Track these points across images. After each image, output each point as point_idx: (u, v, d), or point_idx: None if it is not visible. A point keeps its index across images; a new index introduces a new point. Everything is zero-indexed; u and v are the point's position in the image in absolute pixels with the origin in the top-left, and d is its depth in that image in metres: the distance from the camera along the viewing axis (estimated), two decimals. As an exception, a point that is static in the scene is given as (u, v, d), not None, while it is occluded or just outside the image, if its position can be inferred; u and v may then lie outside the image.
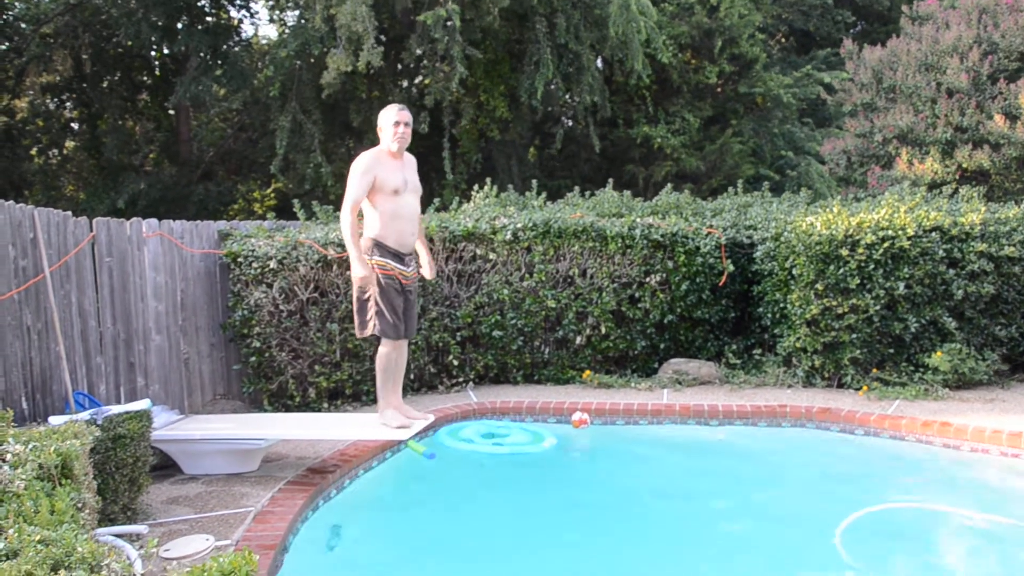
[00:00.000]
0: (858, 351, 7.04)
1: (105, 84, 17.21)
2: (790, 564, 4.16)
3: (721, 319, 8.25)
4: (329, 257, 6.91)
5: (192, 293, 6.79)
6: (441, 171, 13.85)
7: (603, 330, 7.77)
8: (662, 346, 8.04)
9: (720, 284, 8.06)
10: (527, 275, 7.70)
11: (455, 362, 7.55)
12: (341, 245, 7.00)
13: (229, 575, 2.29)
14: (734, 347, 8.12)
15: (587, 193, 9.81)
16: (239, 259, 6.80)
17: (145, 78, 18.41)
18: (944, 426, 5.87)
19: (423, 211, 6.57)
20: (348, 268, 6.95)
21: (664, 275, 7.88)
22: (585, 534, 4.65)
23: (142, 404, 4.55)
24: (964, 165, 9.74)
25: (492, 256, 7.62)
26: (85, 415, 4.24)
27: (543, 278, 7.68)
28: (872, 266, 6.91)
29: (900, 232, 6.91)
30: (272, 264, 6.74)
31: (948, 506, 4.89)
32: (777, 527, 4.67)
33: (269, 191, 19.66)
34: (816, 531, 4.52)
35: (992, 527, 4.56)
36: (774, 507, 4.98)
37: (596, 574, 4.11)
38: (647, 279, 7.83)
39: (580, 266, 7.81)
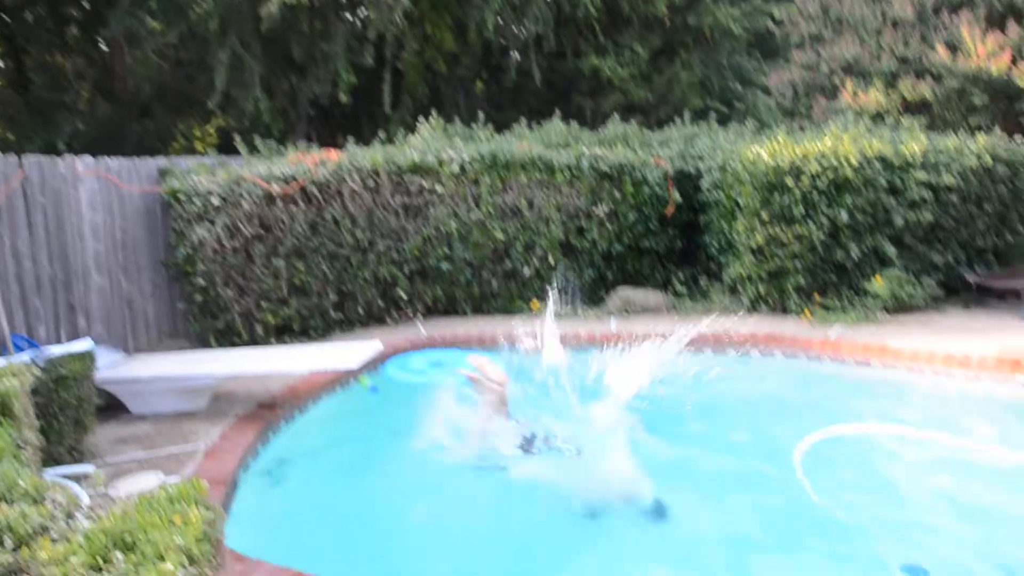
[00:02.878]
0: (801, 278, 7.18)
1: (29, 16, 16.38)
2: (755, 488, 4.26)
3: (668, 249, 8.33)
4: (273, 192, 6.77)
5: (132, 232, 6.61)
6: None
7: (551, 261, 7.79)
8: (610, 276, 8.10)
9: (667, 214, 8.11)
10: (474, 207, 7.65)
11: (404, 295, 7.52)
12: (285, 180, 6.87)
13: (177, 501, 2.27)
14: (681, 276, 8.22)
15: (534, 124, 9.73)
16: (180, 196, 6.63)
17: (73, 11, 17.56)
18: (883, 349, 6.06)
19: (367, 144, 6.34)
20: (292, 204, 6.88)
21: (611, 206, 7.90)
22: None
23: (84, 344, 4.46)
24: (907, 96, 9.87)
25: (439, 189, 7.54)
26: (24, 356, 4.14)
27: (490, 210, 7.64)
28: (816, 195, 7.01)
29: (844, 162, 7.00)
30: (214, 200, 6.58)
31: (888, 426, 5.06)
32: (733, 453, 4.78)
33: (210, 128, 19.11)
34: (771, 454, 4.65)
35: (929, 444, 4.75)
36: (726, 433, 5.09)
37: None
38: (594, 210, 7.85)
39: (527, 198, 7.78)
